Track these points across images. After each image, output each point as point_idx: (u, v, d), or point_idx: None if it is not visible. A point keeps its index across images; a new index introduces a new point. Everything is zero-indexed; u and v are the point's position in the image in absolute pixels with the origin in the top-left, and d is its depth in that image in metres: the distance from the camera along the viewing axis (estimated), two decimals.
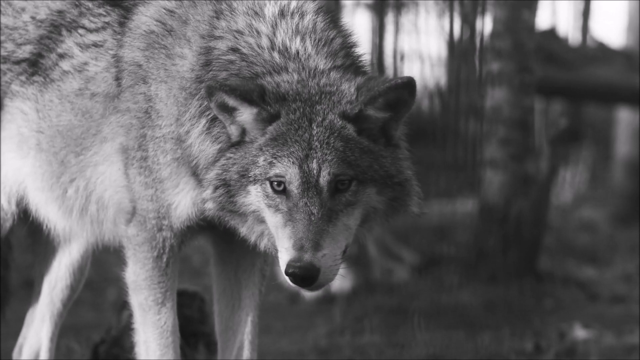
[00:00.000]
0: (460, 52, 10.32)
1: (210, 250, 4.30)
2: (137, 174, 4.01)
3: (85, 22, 4.23)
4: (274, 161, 3.66)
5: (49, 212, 4.32)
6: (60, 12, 4.28)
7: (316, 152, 3.64)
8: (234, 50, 3.85)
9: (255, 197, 3.72)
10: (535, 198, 8.85)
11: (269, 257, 4.22)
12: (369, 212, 3.73)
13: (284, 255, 3.62)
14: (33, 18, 4.31)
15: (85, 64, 4.18)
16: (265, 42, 3.84)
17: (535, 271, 8.77)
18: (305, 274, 3.58)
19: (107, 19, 4.20)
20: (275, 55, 3.81)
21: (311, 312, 8.34)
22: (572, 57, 11.36)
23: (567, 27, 17.48)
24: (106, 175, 4.12)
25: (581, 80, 11.33)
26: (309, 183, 3.63)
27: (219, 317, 4.27)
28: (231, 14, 3.92)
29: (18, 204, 4.40)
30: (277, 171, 3.66)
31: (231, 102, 3.73)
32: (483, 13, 9.77)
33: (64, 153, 4.19)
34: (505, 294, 8.29)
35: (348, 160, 3.65)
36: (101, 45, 4.18)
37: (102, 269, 8.24)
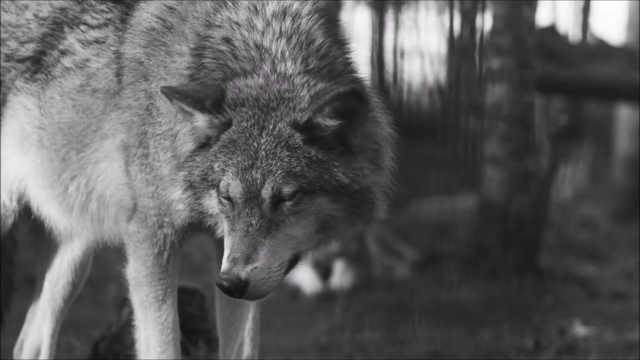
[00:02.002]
0: (460, 49, 10.33)
1: (211, 246, 4.30)
2: (138, 171, 4.00)
3: (87, 18, 4.23)
4: (225, 169, 3.65)
5: (49, 210, 4.32)
6: (62, 9, 4.28)
7: (261, 163, 3.60)
8: (227, 40, 3.83)
9: (215, 201, 3.73)
10: (536, 195, 8.86)
11: None
12: (327, 220, 3.68)
13: (221, 265, 3.63)
14: (36, 16, 4.31)
15: (87, 60, 4.18)
16: (255, 38, 3.81)
17: (536, 268, 8.78)
18: (231, 287, 3.57)
19: (109, 16, 4.20)
20: (257, 54, 3.78)
21: (311, 309, 8.35)
22: (572, 54, 11.36)
23: (567, 24, 17.49)
24: (107, 173, 4.11)
25: (581, 77, 11.34)
26: (251, 193, 3.60)
27: (221, 314, 4.27)
28: (234, 5, 3.91)
29: (19, 200, 4.40)
30: (225, 179, 3.65)
31: (185, 107, 3.74)
32: (483, 10, 9.77)
33: (65, 150, 4.18)
34: (505, 290, 8.30)
35: (293, 172, 3.60)
36: (103, 42, 4.17)
37: (102, 265, 8.23)
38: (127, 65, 4.06)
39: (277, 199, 3.60)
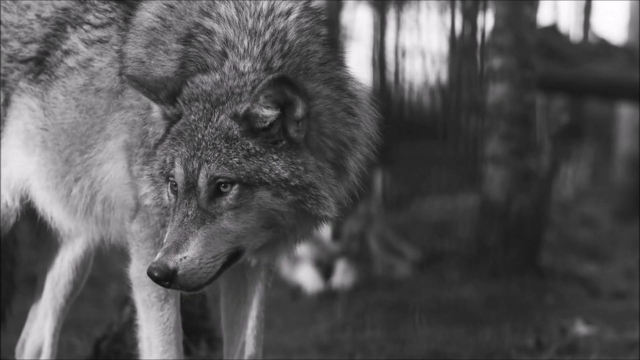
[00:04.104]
0: (461, 48, 10.35)
1: None
2: (140, 171, 4.01)
3: (90, 18, 4.23)
4: (173, 160, 3.66)
5: (53, 211, 4.32)
6: (65, 9, 4.28)
7: (201, 153, 3.60)
8: (209, 32, 3.83)
9: (166, 194, 3.74)
10: (537, 194, 8.87)
11: None
12: (273, 216, 3.65)
13: None
14: (38, 16, 4.31)
15: (90, 59, 4.19)
16: (228, 34, 3.80)
17: (537, 267, 8.78)
18: (159, 276, 3.56)
19: (112, 15, 4.20)
20: (225, 50, 3.78)
21: (312, 308, 8.35)
22: (574, 53, 11.36)
23: (569, 23, 17.51)
24: (111, 174, 4.12)
25: (582, 76, 11.33)
26: (189, 184, 3.61)
27: (225, 312, 4.26)
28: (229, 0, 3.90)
29: (22, 200, 4.41)
30: (171, 171, 3.66)
31: (141, 96, 3.76)
32: (484, 9, 9.79)
33: (69, 151, 4.19)
34: (506, 289, 8.30)
35: (230, 163, 3.58)
36: (106, 41, 4.18)
37: (103, 264, 8.24)
38: (130, 65, 4.06)
39: (214, 190, 3.60)
